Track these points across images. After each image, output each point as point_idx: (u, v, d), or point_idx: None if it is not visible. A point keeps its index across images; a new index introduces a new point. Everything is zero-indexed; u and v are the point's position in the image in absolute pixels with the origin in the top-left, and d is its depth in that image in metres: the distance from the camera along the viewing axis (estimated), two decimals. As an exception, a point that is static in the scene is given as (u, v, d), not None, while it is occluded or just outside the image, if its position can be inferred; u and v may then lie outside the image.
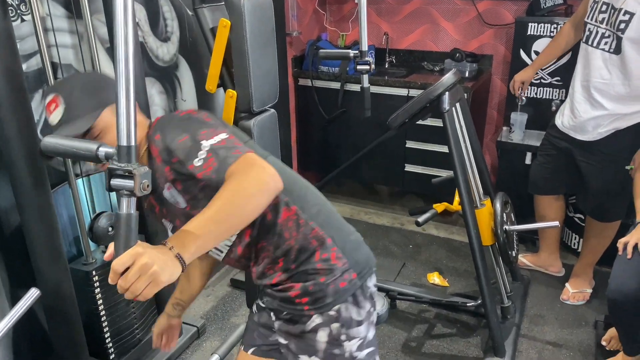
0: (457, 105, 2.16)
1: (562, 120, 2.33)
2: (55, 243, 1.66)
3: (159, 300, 2.14)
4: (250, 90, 1.35)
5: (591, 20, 2.15)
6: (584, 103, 2.21)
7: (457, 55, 3.13)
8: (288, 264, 1.16)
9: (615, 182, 2.25)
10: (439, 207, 2.20)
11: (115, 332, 1.93)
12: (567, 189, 2.54)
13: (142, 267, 0.82)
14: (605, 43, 2.09)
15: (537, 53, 2.76)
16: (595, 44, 2.13)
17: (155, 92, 2.21)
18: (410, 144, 3.15)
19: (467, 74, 3.10)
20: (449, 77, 2.05)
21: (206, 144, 1.01)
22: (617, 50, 2.06)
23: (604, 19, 2.09)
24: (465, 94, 2.89)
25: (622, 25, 2.00)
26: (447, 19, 3.30)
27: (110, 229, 1.88)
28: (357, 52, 2.17)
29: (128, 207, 0.86)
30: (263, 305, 1.32)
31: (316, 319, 1.18)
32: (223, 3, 1.32)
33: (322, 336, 1.19)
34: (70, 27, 1.84)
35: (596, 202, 2.37)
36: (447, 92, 2.04)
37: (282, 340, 1.26)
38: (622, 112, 2.13)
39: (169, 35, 2.24)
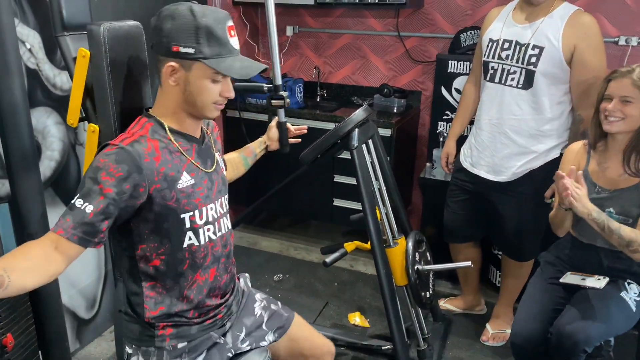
0: (370, 141, 2.12)
1: (472, 162, 2.30)
2: None
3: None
4: (113, 125, 1.25)
5: (493, 58, 2.15)
6: (497, 142, 2.18)
7: (386, 90, 3.13)
8: None
9: (531, 222, 2.24)
10: (350, 246, 2.12)
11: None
12: (483, 233, 2.50)
13: None
14: (512, 79, 2.09)
15: (457, 90, 2.77)
16: (502, 80, 2.13)
17: (51, 123, 2.08)
18: (338, 178, 3.09)
19: (395, 110, 3.10)
20: (358, 114, 2.00)
21: None
22: (527, 85, 2.07)
23: (508, 55, 2.09)
24: (390, 130, 2.87)
25: (534, 59, 2.02)
26: (376, 55, 3.31)
27: None
28: (270, 85, 2.08)
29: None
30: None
31: None
32: (87, 32, 1.23)
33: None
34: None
35: (513, 242, 2.34)
36: (356, 129, 2.00)
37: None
38: (535, 149, 2.13)
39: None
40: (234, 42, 1.22)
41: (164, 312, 1.30)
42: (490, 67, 2.16)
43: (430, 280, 2.26)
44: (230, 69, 1.19)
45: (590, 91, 1.95)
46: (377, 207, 2.07)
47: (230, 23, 1.22)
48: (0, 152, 1.83)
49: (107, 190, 1.12)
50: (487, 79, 2.18)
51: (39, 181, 1.86)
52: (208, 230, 1.31)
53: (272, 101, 1.97)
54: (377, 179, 2.12)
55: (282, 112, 2.00)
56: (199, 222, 1.28)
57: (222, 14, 1.20)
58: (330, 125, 2.98)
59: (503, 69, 2.11)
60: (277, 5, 3.41)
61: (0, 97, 1.70)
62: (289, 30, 3.45)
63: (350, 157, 1.98)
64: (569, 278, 1.82)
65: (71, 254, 1.13)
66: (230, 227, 1.43)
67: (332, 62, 3.45)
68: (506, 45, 2.10)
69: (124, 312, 1.36)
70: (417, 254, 2.12)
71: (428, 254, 2.24)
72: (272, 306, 1.59)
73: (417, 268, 2.11)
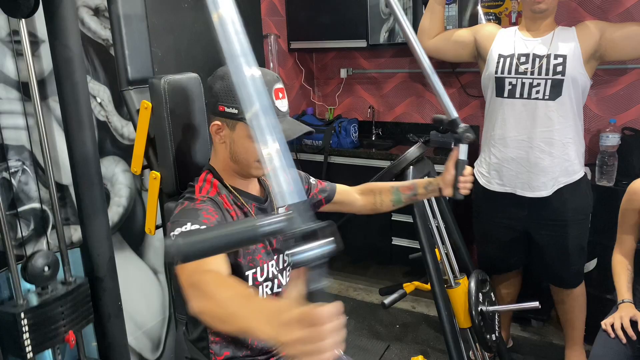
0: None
1: (502, 182, 2.22)
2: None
3: None
4: (174, 171, 1.31)
5: (508, 74, 2.11)
6: (530, 157, 2.12)
7: (442, 126, 3.09)
8: None
9: (570, 247, 2.19)
10: (409, 286, 2.08)
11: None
12: (522, 261, 2.43)
13: None
14: (538, 92, 2.07)
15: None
16: (525, 95, 2.09)
17: (119, 171, 2.20)
18: (396, 217, 3.05)
19: (452, 145, 3.02)
20: (412, 152, 2.00)
21: None
22: (554, 95, 2.05)
23: (526, 69, 2.07)
24: (447, 166, 2.82)
25: (560, 68, 2.03)
26: (431, 92, 3.30)
27: (46, 268, 1.77)
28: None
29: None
30: None
31: None
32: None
33: None
34: (28, 109, 1.86)
35: (554, 270, 2.28)
36: (411, 167, 1.99)
37: None
38: (567, 157, 2.10)
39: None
40: (280, 104, 1.23)
41: (229, 357, 1.32)
42: (507, 83, 2.12)
43: (496, 322, 2.15)
44: None
45: None
46: (436, 246, 2.02)
47: (279, 86, 1.23)
48: (73, 199, 1.95)
49: (209, 221, 1.13)
50: (506, 95, 2.14)
51: (107, 226, 1.96)
52: (266, 286, 1.33)
53: (466, 134, 1.59)
54: (435, 217, 2.08)
55: (465, 148, 1.63)
56: (260, 279, 1.31)
57: (270, 77, 1.22)
58: (386, 164, 2.97)
59: (523, 83, 2.08)
60: (330, 49, 3.52)
61: (73, 148, 1.84)
62: (343, 73, 3.52)
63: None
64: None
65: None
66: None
67: (386, 101, 3.47)
68: (522, 59, 2.09)
69: (189, 359, 1.38)
70: (480, 294, 2.04)
71: (492, 294, 2.15)
72: (334, 351, 1.58)
73: (481, 309, 2.02)
